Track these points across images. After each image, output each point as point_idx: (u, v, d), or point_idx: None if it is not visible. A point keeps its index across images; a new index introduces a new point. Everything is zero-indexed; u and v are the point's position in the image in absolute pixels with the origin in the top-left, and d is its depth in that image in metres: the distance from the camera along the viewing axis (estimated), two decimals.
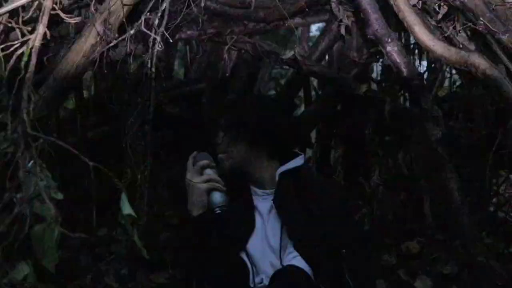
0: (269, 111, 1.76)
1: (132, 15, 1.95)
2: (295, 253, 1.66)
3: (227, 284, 1.64)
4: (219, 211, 1.63)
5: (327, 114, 2.95)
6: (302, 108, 3.22)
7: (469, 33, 1.84)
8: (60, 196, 0.83)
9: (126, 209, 0.82)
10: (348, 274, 1.64)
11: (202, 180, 1.63)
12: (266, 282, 1.63)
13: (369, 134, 1.82)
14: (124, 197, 0.84)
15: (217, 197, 1.64)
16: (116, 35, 1.77)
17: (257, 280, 1.68)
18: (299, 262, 1.64)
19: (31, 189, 0.81)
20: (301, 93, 3.16)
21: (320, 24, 3.14)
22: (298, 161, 1.74)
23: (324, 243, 1.65)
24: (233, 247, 1.68)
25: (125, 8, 1.74)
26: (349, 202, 1.74)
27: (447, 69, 2.47)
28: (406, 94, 1.67)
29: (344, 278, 1.64)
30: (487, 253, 1.98)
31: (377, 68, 2.68)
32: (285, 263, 1.64)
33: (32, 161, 0.80)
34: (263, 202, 1.74)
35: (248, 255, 1.71)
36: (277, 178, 1.72)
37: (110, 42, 1.77)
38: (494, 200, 2.57)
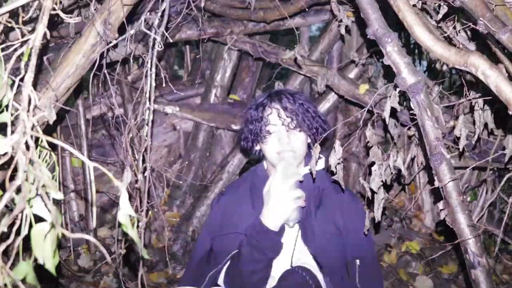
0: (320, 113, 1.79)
1: (132, 15, 1.95)
2: (308, 256, 1.65)
3: (243, 282, 1.60)
4: (291, 226, 1.60)
5: (327, 114, 2.96)
6: None
7: (469, 33, 1.84)
8: (60, 196, 0.82)
9: (126, 209, 0.78)
10: (360, 284, 1.64)
11: (295, 197, 1.57)
12: (273, 283, 1.60)
13: (370, 134, 1.80)
14: (123, 197, 0.79)
15: (296, 214, 1.59)
16: (116, 35, 1.76)
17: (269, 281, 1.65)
18: (308, 264, 1.63)
19: (31, 189, 0.80)
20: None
21: (320, 24, 3.15)
22: (321, 164, 1.75)
23: (338, 250, 1.65)
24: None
25: (125, 8, 1.73)
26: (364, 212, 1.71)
27: (447, 69, 2.47)
28: (406, 94, 1.66)
29: (354, 284, 1.63)
30: (487, 253, 1.98)
31: (377, 68, 2.68)
32: (294, 264, 1.63)
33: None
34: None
35: None
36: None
37: (110, 42, 1.77)
38: (494, 200, 2.56)
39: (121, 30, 1.81)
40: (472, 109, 1.97)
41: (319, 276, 1.61)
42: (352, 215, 1.70)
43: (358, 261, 1.65)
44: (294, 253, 1.65)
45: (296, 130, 1.68)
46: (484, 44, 1.73)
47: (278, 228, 1.56)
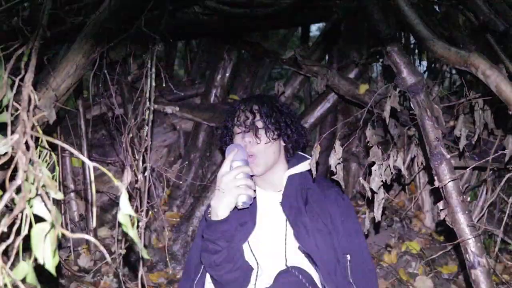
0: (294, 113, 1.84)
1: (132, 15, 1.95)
2: (300, 255, 1.65)
3: (230, 284, 1.65)
4: (242, 207, 1.64)
5: (327, 114, 2.96)
6: (302, 108, 3.22)
7: (469, 32, 1.84)
8: (60, 196, 0.82)
9: (126, 208, 0.78)
10: (353, 279, 1.64)
11: (239, 184, 1.61)
12: (269, 282, 1.61)
13: (370, 133, 1.81)
14: (123, 197, 0.78)
15: (245, 194, 1.62)
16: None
17: (260, 279, 1.66)
18: (303, 263, 1.64)
19: (31, 189, 0.80)
20: (300, 93, 3.16)
21: (320, 24, 3.15)
22: (306, 165, 1.75)
23: (330, 247, 1.65)
24: (236, 246, 1.67)
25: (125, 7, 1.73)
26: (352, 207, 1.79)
27: (447, 69, 2.47)
28: (406, 94, 1.65)
29: (349, 283, 1.63)
30: (487, 253, 1.97)
31: (377, 68, 2.67)
32: (289, 264, 1.64)
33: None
34: (269, 203, 1.74)
35: (253, 255, 1.70)
36: (284, 180, 1.73)
37: (110, 42, 1.76)
38: (494, 200, 2.56)
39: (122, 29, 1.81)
40: (472, 109, 1.97)
41: (314, 275, 1.62)
42: (339, 211, 1.71)
43: (348, 256, 1.65)
44: (288, 253, 1.65)
45: (262, 131, 1.71)
46: (484, 44, 1.73)
47: (225, 216, 1.60)
